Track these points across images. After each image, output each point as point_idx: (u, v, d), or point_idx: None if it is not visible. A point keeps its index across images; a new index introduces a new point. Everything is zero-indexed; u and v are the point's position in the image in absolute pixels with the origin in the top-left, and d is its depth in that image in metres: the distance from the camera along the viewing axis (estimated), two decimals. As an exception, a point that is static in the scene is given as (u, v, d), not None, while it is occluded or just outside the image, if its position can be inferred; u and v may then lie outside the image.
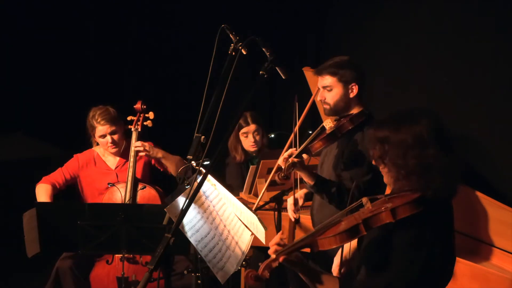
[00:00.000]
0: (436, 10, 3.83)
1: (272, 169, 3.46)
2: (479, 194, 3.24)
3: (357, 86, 2.95)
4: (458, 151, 3.36)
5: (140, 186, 3.61)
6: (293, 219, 3.18)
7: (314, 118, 4.13)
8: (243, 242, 2.58)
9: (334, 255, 2.68)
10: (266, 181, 3.62)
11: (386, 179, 2.11)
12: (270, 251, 2.09)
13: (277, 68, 2.57)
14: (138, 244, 3.03)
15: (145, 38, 5.30)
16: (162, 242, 2.01)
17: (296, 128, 3.15)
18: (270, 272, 2.04)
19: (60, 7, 4.94)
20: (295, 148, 2.95)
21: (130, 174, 3.60)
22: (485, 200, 3.22)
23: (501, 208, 3.15)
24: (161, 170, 3.81)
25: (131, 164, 3.62)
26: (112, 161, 3.78)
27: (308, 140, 2.92)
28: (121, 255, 3.18)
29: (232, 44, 2.70)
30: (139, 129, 3.69)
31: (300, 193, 3.26)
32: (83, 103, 3.84)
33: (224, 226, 2.54)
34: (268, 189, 3.55)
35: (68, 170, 3.71)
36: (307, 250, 2.07)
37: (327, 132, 2.89)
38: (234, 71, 2.59)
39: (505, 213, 3.13)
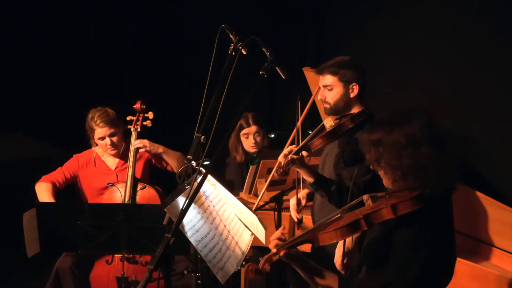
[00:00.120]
0: (436, 10, 3.83)
1: (272, 169, 3.46)
2: (479, 194, 3.24)
3: (357, 86, 2.95)
4: (458, 151, 3.36)
5: (140, 186, 3.61)
6: (296, 220, 3.17)
7: (314, 118, 4.13)
8: (243, 242, 2.58)
9: (334, 254, 2.68)
10: (266, 181, 3.62)
11: (384, 182, 2.12)
12: (270, 245, 2.09)
13: (277, 68, 2.57)
14: (138, 244, 3.03)
15: (145, 38, 5.30)
16: (162, 242, 2.01)
17: (299, 124, 3.14)
18: (271, 266, 2.04)
19: (60, 7, 4.94)
20: (295, 145, 2.95)
21: (130, 174, 3.60)
22: (485, 200, 3.22)
23: (501, 208, 3.16)
24: (163, 168, 3.81)
25: (131, 164, 3.62)
26: (111, 161, 3.78)
27: (308, 137, 2.92)
28: (121, 255, 3.18)
29: (232, 44, 2.70)
30: (139, 129, 3.70)
31: (302, 193, 3.26)
32: (83, 103, 3.85)
33: (224, 226, 2.54)
34: (268, 189, 3.55)
35: (68, 170, 3.71)
36: (308, 246, 2.07)
37: (327, 130, 2.89)
38: (234, 71, 2.60)
39: (505, 213, 3.13)
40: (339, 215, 2.09)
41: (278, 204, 3.29)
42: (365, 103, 3.01)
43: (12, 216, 3.48)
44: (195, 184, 2.19)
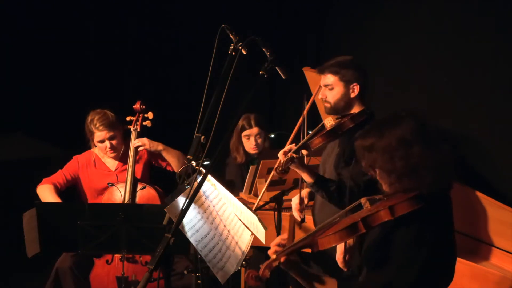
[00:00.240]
0: (436, 10, 3.83)
1: (272, 169, 3.46)
2: (479, 194, 3.24)
3: (358, 86, 2.95)
4: (458, 151, 3.36)
5: (140, 186, 3.61)
6: (299, 219, 3.16)
7: (314, 118, 4.13)
8: (243, 242, 2.58)
9: (335, 255, 2.68)
10: (266, 181, 3.62)
11: (381, 186, 2.12)
12: (270, 252, 2.10)
13: (277, 68, 2.57)
14: (138, 244, 3.03)
15: (145, 38, 5.30)
16: (162, 242, 2.01)
17: (302, 119, 3.14)
18: (271, 272, 2.05)
19: (60, 7, 4.94)
20: (294, 144, 2.95)
21: (130, 174, 3.60)
22: (485, 200, 3.22)
23: (501, 208, 3.16)
24: (162, 167, 3.81)
25: (130, 164, 3.62)
26: (111, 162, 3.78)
27: (308, 136, 2.92)
28: (121, 255, 3.18)
29: (232, 44, 2.70)
30: (138, 129, 3.70)
31: (304, 192, 3.25)
32: (83, 103, 3.85)
33: (224, 226, 2.54)
34: (268, 189, 3.55)
35: (68, 171, 3.70)
36: (308, 250, 2.07)
37: (327, 129, 2.89)
38: (234, 71, 2.60)
39: (505, 213, 3.13)
40: (337, 218, 2.10)
41: (278, 204, 3.29)
42: (366, 103, 3.01)
43: (12, 216, 3.47)
44: (195, 184, 2.20)
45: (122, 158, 3.75)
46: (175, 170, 3.72)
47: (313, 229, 3.29)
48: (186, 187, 2.40)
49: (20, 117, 4.93)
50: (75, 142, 4.00)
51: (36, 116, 4.91)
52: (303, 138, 3.05)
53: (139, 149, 3.68)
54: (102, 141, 3.64)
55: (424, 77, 3.93)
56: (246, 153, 4.19)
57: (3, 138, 4.88)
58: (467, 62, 3.62)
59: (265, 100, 5.46)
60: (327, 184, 2.89)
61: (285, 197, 3.33)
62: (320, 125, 2.97)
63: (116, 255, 3.48)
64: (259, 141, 4.13)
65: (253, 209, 3.27)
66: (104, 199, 3.61)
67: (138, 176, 3.71)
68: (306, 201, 3.22)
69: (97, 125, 3.60)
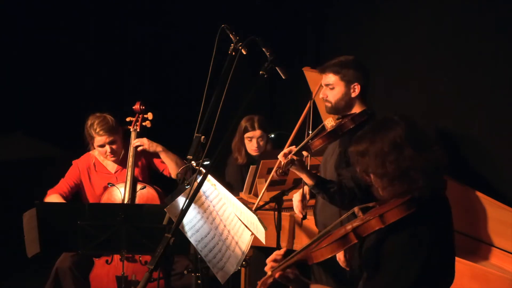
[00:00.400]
0: (436, 10, 3.82)
1: (272, 169, 3.46)
2: (479, 194, 3.24)
3: (359, 86, 2.95)
4: (458, 151, 3.36)
5: (139, 186, 3.61)
6: (301, 216, 3.15)
7: (314, 119, 4.13)
8: (243, 242, 2.58)
9: (335, 257, 2.68)
10: (266, 181, 3.62)
11: (375, 191, 2.12)
12: (266, 268, 2.11)
13: (277, 68, 2.57)
14: (138, 244, 3.03)
15: (145, 38, 5.30)
16: (162, 242, 2.01)
17: (303, 119, 3.13)
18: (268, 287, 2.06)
19: (60, 7, 4.94)
20: (294, 146, 2.95)
21: (129, 174, 3.60)
22: (485, 200, 3.22)
23: (501, 208, 3.16)
24: (159, 171, 3.81)
25: (130, 163, 3.62)
26: (111, 165, 3.77)
27: (308, 137, 2.92)
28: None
29: (232, 44, 2.70)
30: (138, 130, 3.71)
31: (306, 188, 3.25)
32: (83, 103, 3.85)
33: (224, 226, 2.54)
34: (268, 189, 3.55)
35: (70, 179, 3.70)
36: (306, 242, 2.07)
37: (328, 130, 2.88)
38: (234, 71, 2.60)
39: (505, 213, 3.13)
40: (330, 231, 2.11)
41: (278, 204, 3.29)
42: (367, 103, 3.00)
43: (12, 216, 3.47)
44: (195, 184, 2.20)
45: (122, 161, 3.75)
46: (172, 174, 3.73)
47: (314, 229, 3.32)
48: (186, 187, 2.40)
49: (20, 117, 4.93)
50: (75, 142, 3.99)
51: (36, 116, 4.91)
52: (310, 132, 3.04)
53: (138, 148, 3.68)
54: (102, 146, 3.64)
55: (424, 77, 3.93)
56: (247, 154, 4.19)
57: (3, 138, 4.89)
58: (467, 62, 3.62)
59: (265, 100, 5.46)
60: (328, 186, 2.88)
61: (285, 197, 3.33)
62: (320, 126, 2.96)
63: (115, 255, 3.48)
64: (261, 143, 4.13)
65: (253, 209, 3.27)
66: (104, 199, 3.61)
67: (138, 176, 3.71)
68: (308, 197, 3.21)
69: (97, 129, 3.59)
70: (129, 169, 3.61)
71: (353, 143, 2.13)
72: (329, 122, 2.93)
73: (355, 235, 1.98)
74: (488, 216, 3.22)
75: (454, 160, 3.57)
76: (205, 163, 2.47)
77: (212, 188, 2.62)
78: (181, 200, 2.29)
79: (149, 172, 3.84)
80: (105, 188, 3.63)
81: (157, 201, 3.59)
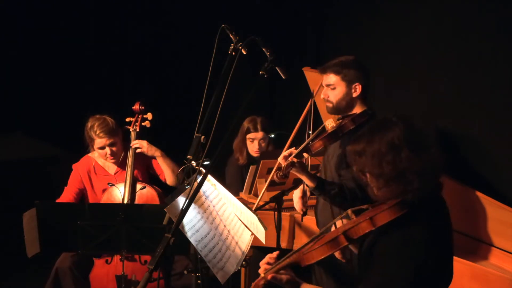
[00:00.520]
0: (436, 10, 3.83)
1: (272, 169, 3.46)
2: (479, 194, 3.25)
3: (360, 86, 2.94)
4: (458, 151, 3.36)
5: (139, 186, 3.61)
6: (301, 212, 3.14)
7: (314, 119, 4.13)
8: (243, 242, 2.58)
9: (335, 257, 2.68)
10: (266, 181, 3.62)
11: (370, 191, 2.12)
12: (260, 270, 2.11)
13: (277, 68, 2.57)
14: (138, 244, 3.03)
15: (145, 38, 5.30)
16: (162, 242, 2.01)
17: (303, 119, 3.13)
18: None
19: (60, 7, 4.95)
20: (295, 147, 2.95)
21: (129, 174, 3.60)
22: (485, 200, 3.22)
23: (501, 208, 3.16)
24: (155, 176, 3.80)
25: (130, 164, 3.62)
26: (111, 166, 3.77)
27: (308, 139, 2.92)
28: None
29: (232, 44, 2.70)
30: (137, 130, 3.70)
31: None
32: (83, 103, 3.85)
33: (224, 226, 2.54)
34: (268, 189, 3.55)
35: (74, 185, 3.68)
36: (303, 240, 2.08)
37: (328, 131, 2.88)
38: (234, 71, 2.60)
39: (505, 213, 3.13)
40: (323, 233, 2.12)
41: (278, 204, 3.29)
42: (368, 103, 3.00)
43: (12, 216, 3.47)
44: (195, 184, 2.20)
45: (121, 163, 3.75)
46: (167, 181, 3.73)
47: (314, 228, 3.32)
48: (186, 187, 2.40)
49: (20, 117, 4.93)
50: (75, 142, 3.99)
51: (36, 116, 4.91)
52: (306, 137, 3.04)
53: (137, 150, 3.67)
54: (102, 148, 3.63)
55: (424, 77, 3.93)
56: (248, 155, 4.19)
57: (3, 138, 4.89)
58: (467, 62, 3.62)
59: (265, 100, 5.46)
60: (329, 187, 2.88)
61: (285, 197, 3.33)
62: (321, 127, 2.96)
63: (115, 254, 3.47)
64: (262, 145, 4.13)
65: (253, 209, 3.27)
66: (104, 199, 3.61)
67: (138, 176, 3.71)
68: (308, 194, 3.20)
69: (97, 131, 3.59)
70: (129, 169, 3.61)
71: (351, 142, 2.13)
72: (330, 123, 2.92)
73: (345, 238, 2.00)
74: (488, 216, 3.22)
75: (454, 160, 3.58)
76: (205, 163, 2.47)
77: (212, 188, 2.62)
78: (181, 200, 2.29)
79: (148, 172, 3.84)
80: (105, 190, 3.63)
81: (157, 201, 3.58)
